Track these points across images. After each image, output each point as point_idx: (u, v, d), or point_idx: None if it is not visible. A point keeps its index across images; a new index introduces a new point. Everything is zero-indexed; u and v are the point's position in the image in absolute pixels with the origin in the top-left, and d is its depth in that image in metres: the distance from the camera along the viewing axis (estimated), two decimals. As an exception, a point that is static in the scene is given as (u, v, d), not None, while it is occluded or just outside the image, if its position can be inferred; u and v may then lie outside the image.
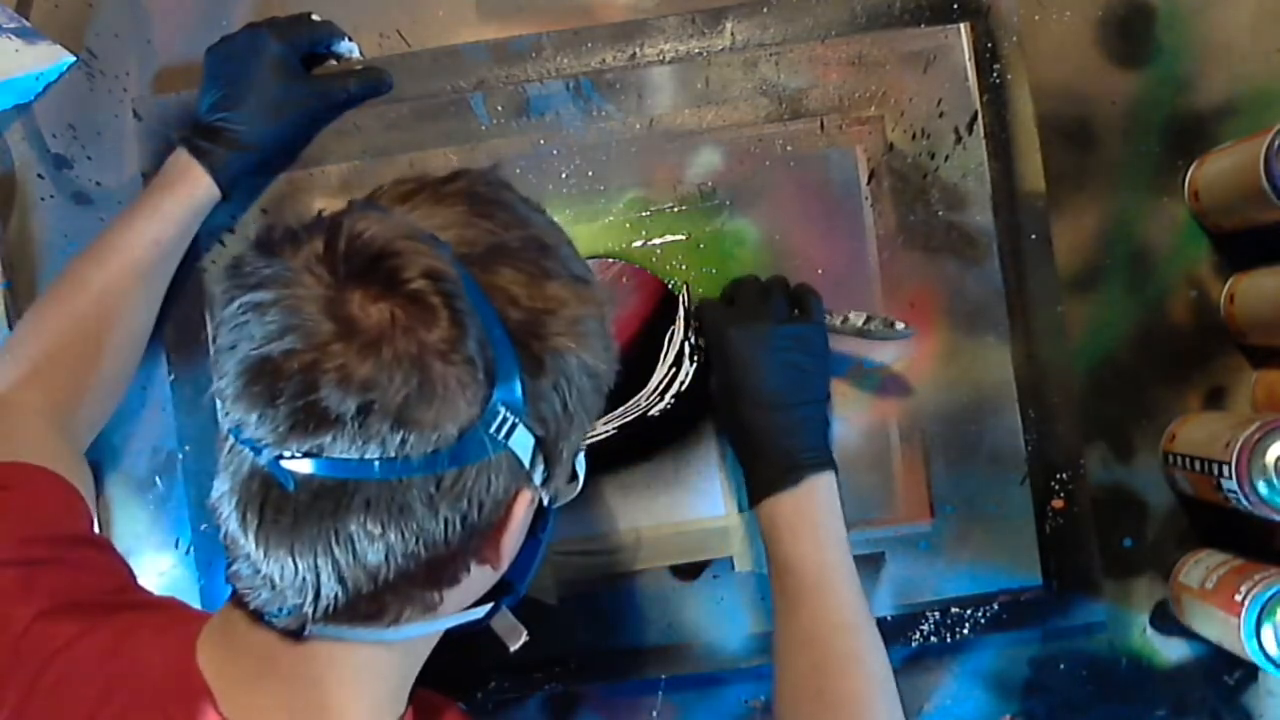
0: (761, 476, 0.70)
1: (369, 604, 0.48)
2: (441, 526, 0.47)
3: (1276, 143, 0.70)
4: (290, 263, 0.46)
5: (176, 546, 0.81)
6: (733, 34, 0.81)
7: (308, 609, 0.48)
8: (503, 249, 0.48)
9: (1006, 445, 0.79)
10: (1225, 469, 0.71)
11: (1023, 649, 0.81)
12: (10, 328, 0.81)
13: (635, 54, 0.80)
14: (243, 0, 0.82)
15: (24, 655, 0.52)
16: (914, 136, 0.79)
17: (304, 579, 0.47)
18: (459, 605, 0.53)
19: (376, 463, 0.44)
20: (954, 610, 0.78)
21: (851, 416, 0.79)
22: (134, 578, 0.62)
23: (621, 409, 0.78)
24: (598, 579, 0.79)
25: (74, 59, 0.82)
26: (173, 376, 0.80)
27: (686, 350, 0.77)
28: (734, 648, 0.78)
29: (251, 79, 0.73)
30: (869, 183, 0.79)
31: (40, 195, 0.82)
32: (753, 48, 0.80)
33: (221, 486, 0.48)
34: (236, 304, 0.46)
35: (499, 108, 0.79)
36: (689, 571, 0.79)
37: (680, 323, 0.78)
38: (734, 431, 0.73)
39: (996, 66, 0.80)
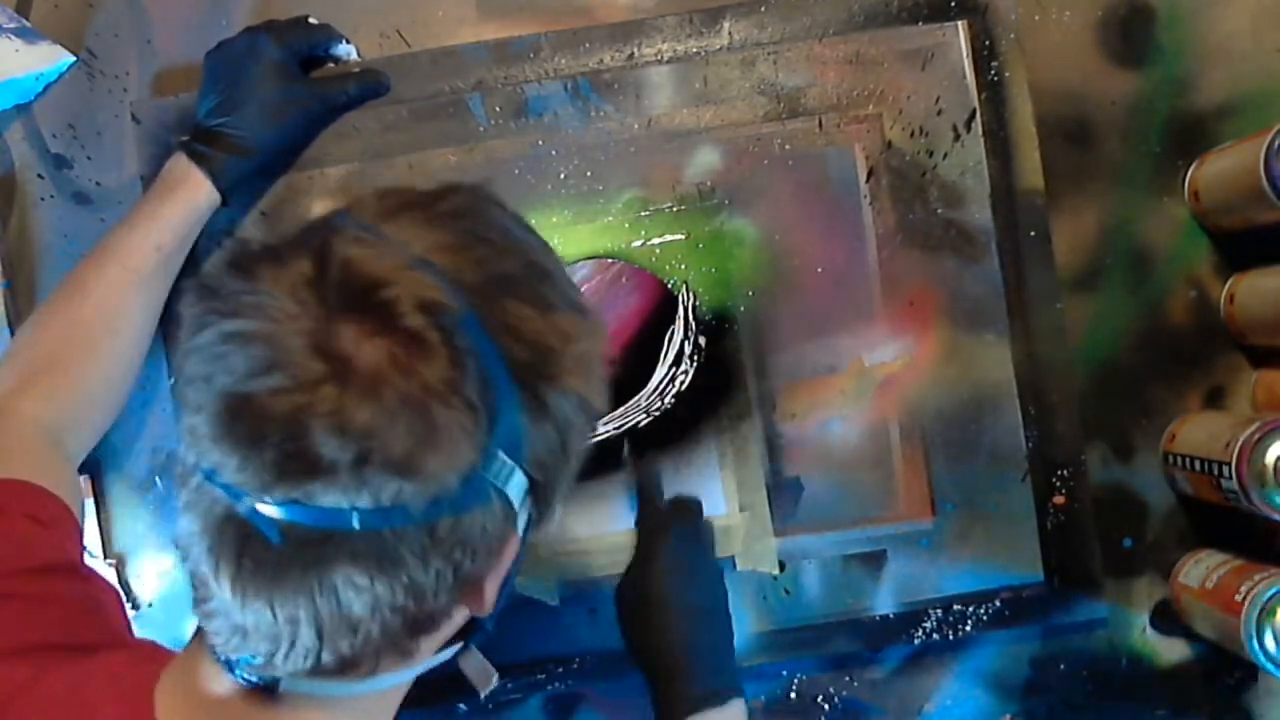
0: (686, 694, 0.66)
1: (345, 657, 0.45)
2: (433, 578, 0.44)
3: (1276, 143, 0.70)
4: (273, 288, 0.42)
5: (176, 547, 0.81)
6: (730, 33, 0.81)
7: (279, 661, 0.45)
8: (504, 279, 0.46)
9: (1007, 442, 0.79)
10: (1225, 469, 0.71)
11: (1023, 649, 0.81)
12: (10, 327, 0.81)
13: (633, 54, 0.80)
14: (242, 0, 0.82)
15: None
16: (912, 135, 0.79)
17: (281, 631, 0.44)
18: (433, 649, 0.51)
19: (369, 512, 0.42)
20: (956, 607, 0.78)
21: (852, 415, 0.79)
22: (115, 603, 0.61)
23: (622, 409, 0.78)
24: (599, 579, 0.79)
25: (74, 59, 0.82)
26: (173, 379, 0.80)
27: (686, 350, 0.77)
28: (737, 646, 0.78)
29: (250, 83, 0.72)
30: (867, 181, 0.79)
31: (40, 195, 0.82)
32: (750, 47, 0.80)
33: (190, 526, 0.45)
34: (213, 331, 0.42)
35: (497, 109, 0.79)
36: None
37: (680, 323, 0.78)
38: (656, 640, 0.68)
39: (995, 64, 0.80)
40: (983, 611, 0.78)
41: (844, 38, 0.79)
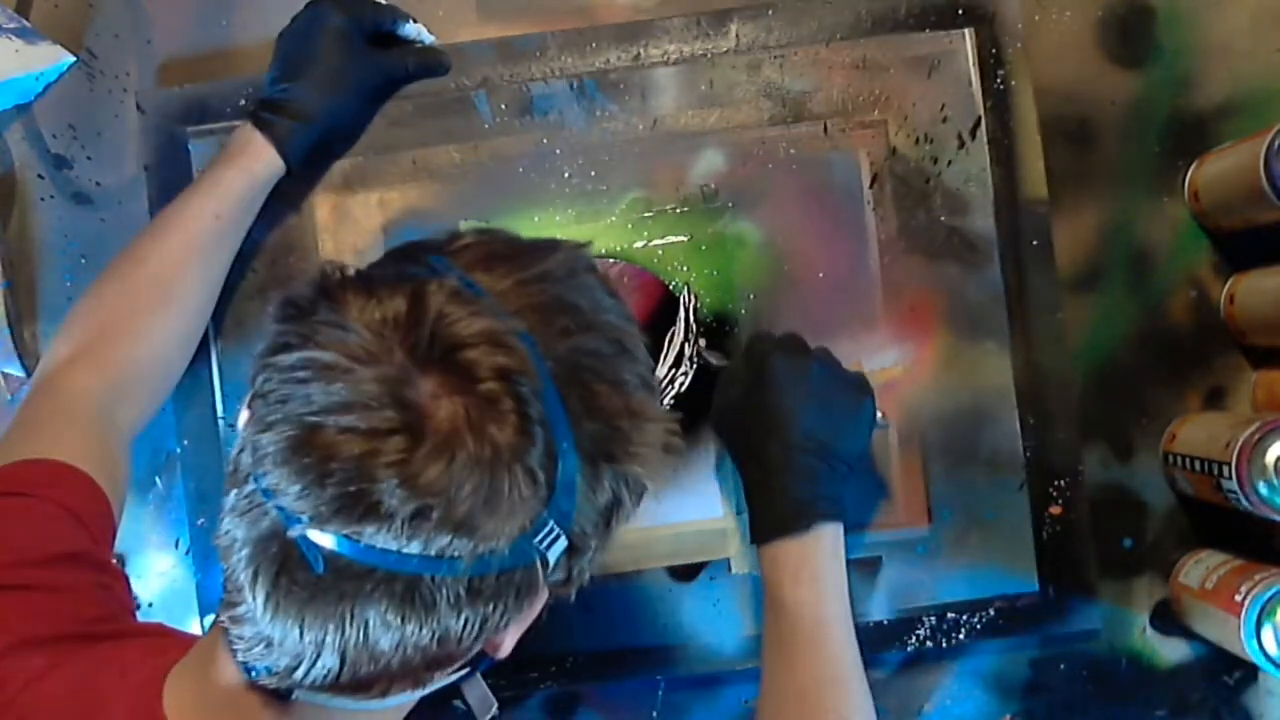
0: (770, 516, 0.68)
1: (361, 681, 0.46)
2: (461, 625, 0.45)
3: (1276, 143, 0.70)
4: (361, 323, 0.43)
5: (176, 546, 0.81)
6: (737, 36, 0.81)
7: (298, 676, 0.46)
8: (587, 352, 0.46)
9: (1005, 451, 0.78)
10: (1225, 469, 0.71)
11: (1023, 649, 0.81)
12: (10, 327, 0.81)
13: (639, 54, 0.80)
14: (242, 0, 0.82)
15: None
16: (917, 141, 0.79)
17: (305, 650, 0.45)
18: (444, 678, 0.51)
19: (416, 559, 0.42)
20: (950, 615, 0.78)
21: None
22: (124, 588, 0.61)
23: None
24: (596, 579, 0.78)
25: (74, 59, 0.82)
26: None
27: (687, 352, 0.77)
28: (730, 650, 0.78)
29: (313, 51, 0.73)
30: (871, 187, 0.79)
31: (40, 195, 0.82)
32: (757, 50, 0.80)
33: (234, 532, 0.45)
34: (295, 355, 0.43)
35: (502, 106, 0.79)
36: (686, 573, 0.79)
37: (681, 325, 0.78)
38: (750, 462, 0.70)
39: (1000, 72, 0.80)
40: (976, 620, 0.78)
41: (851, 43, 0.79)
